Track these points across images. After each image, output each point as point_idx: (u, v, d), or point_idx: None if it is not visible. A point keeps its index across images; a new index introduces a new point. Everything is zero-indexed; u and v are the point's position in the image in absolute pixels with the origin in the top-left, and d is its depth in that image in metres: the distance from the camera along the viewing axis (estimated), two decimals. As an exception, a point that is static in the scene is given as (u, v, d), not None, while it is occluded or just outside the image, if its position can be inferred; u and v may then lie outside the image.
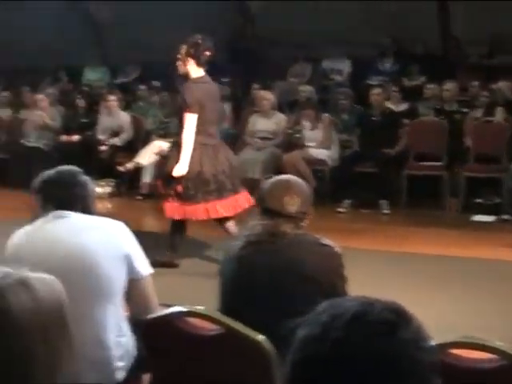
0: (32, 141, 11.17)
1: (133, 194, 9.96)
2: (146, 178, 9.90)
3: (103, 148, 10.49)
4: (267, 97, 9.90)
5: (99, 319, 3.00)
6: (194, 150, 6.03)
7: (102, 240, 3.01)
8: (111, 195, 9.95)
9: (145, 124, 11.00)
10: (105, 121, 10.81)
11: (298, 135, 9.52)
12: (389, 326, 1.19)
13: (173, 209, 6.19)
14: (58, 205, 3.11)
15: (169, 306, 3.07)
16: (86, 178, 3.23)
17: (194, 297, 4.79)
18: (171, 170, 6.07)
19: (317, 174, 9.25)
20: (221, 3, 11.96)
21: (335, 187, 9.25)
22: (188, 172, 6.01)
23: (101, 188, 9.36)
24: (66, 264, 2.88)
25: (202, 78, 6.12)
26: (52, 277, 1.56)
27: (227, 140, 8.48)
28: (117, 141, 10.59)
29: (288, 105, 10.77)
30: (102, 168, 10.03)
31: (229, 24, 12.14)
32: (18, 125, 11.78)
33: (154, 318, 2.95)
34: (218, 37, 11.60)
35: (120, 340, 3.08)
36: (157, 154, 9.66)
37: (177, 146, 6.19)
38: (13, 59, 13.36)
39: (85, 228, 3.05)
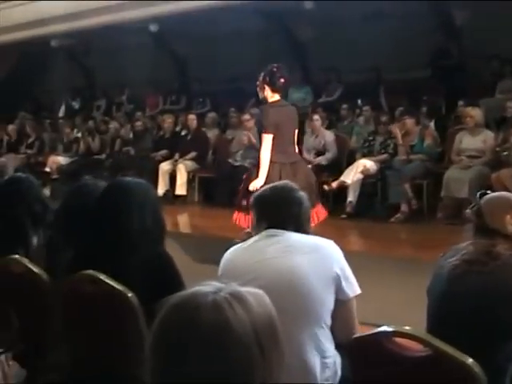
0: (238, 160, 11.51)
1: (338, 213, 9.99)
2: (351, 197, 9.90)
3: (309, 167, 10.55)
4: (473, 114, 9.62)
5: (306, 341, 2.99)
6: (273, 167, 6.57)
7: (313, 261, 3.00)
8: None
9: (349, 143, 11.01)
10: (309, 140, 10.92)
11: (506, 153, 9.17)
12: None
13: (245, 220, 6.64)
14: (271, 222, 3.15)
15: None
16: (301, 195, 3.23)
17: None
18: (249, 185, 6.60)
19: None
20: (422, 19, 11.75)
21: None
22: None
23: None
24: (275, 284, 2.89)
25: (277, 102, 6.70)
26: (261, 292, 1.58)
27: (432, 158, 8.42)
28: (322, 160, 10.66)
29: (496, 122, 10.40)
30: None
31: (431, 40, 11.86)
32: (225, 144, 12.19)
33: (361, 338, 2.91)
34: (420, 54, 11.56)
35: (326, 362, 3.06)
36: (362, 172, 9.64)
37: (258, 164, 6.78)
38: (219, 82, 13.87)
39: (296, 248, 3.05)
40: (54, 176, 13.39)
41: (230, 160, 11.62)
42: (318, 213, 6.77)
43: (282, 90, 6.72)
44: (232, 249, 3.25)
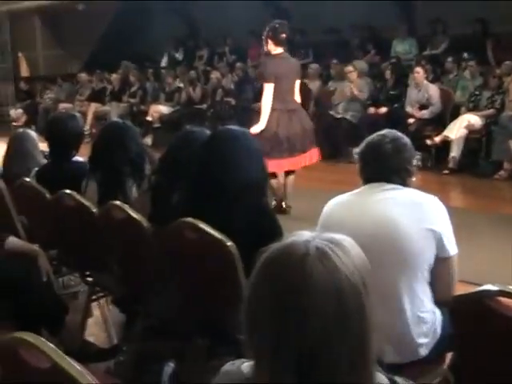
0: (340, 112, 11.38)
1: (440, 168, 9.77)
2: (454, 153, 9.67)
3: (411, 121, 10.38)
4: None
5: (402, 292, 2.94)
6: (272, 114, 7.17)
7: (414, 215, 2.94)
8: (418, 169, 9.80)
9: (454, 97, 10.73)
10: (413, 93, 10.68)
11: None
12: None
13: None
14: (372, 175, 3.09)
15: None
16: (408, 148, 3.15)
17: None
18: None
19: None
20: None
21: None
22: (266, 131, 7.11)
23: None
24: (374, 234, 2.87)
25: (279, 54, 7.25)
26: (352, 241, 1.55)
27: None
28: (425, 114, 10.43)
29: None
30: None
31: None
32: (327, 96, 12.07)
33: (464, 297, 2.83)
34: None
35: (423, 316, 3.01)
36: (466, 127, 9.39)
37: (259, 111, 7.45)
38: (323, 33, 13.70)
39: (397, 201, 2.99)
40: (156, 125, 13.57)
41: (331, 112, 11.50)
42: (311, 155, 7.58)
43: (284, 43, 7.27)
44: (332, 201, 3.20)
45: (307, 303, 1.41)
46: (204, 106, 13.41)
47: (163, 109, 13.96)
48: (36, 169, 4.96)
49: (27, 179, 4.70)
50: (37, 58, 18.63)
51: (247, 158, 3.29)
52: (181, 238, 3.28)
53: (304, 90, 12.19)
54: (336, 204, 3.17)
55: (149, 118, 13.74)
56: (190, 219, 3.21)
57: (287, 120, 7.24)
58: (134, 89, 15.20)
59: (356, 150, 3.25)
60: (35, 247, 3.97)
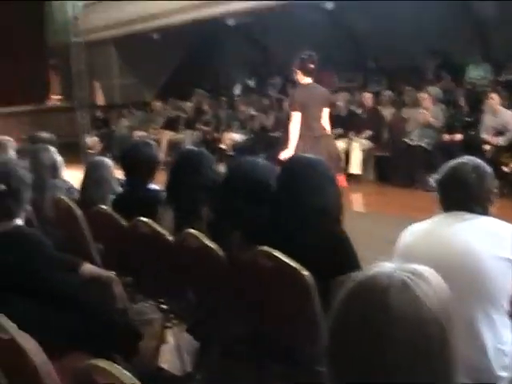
0: (414, 139, 11.27)
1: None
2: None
3: (487, 147, 10.20)
4: None
5: (482, 324, 2.88)
6: (299, 140, 7.53)
7: (491, 243, 2.88)
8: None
9: (530, 123, 10.50)
10: (488, 120, 10.52)
11: None
12: None
13: None
14: (456, 204, 3.03)
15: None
16: (490, 175, 3.08)
17: None
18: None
19: None
20: None
21: None
22: None
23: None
24: (453, 266, 2.81)
25: (308, 84, 7.69)
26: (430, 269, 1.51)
27: None
28: (501, 140, 10.24)
29: None
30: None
31: None
32: (401, 123, 11.97)
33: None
34: None
35: (504, 349, 2.92)
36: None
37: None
38: (396, 59, 13.61)
39: (474, 229, 2.93)
40: (230, 153, 13.64)
41: (405, 139, 11.39)
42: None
43: (312, 74, 7.67)
44: (410, 229, 3.15)
45: (390, 336, 1.38)
46: (277, 134, 13.42)
47: (237, 136, 14.04)
48: (112, 196, 5.02)
49: (103, 206, 4.76)
50: (112, 86, 18.97)
51: (320, 186, 3.26)
52: (255, 266, 3.26)
53: (377, 117, 12.19)
54: (414, 232, 3.12)
55: (222, 146, 13.82)
56: (264, 247, 3.20)
57: (313, 146, 7.42)
58: (207, 117, 15.34)
59: (433, 178, 3.18)
60: (111, 274, 4.00)
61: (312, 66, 7.63)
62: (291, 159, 3.58)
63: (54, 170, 5.71)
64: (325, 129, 7.74)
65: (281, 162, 6.89)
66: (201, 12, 14.34)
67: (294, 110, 7.67)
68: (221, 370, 4.15)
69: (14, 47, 18.42)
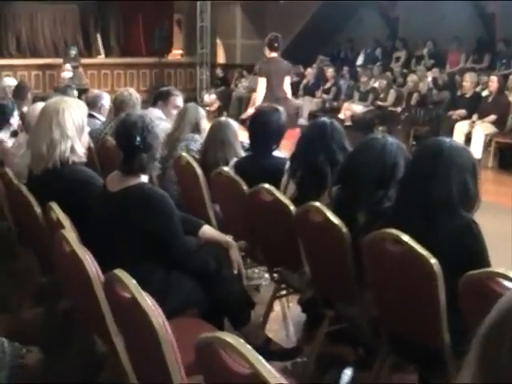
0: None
1: None
2: None
3: None
4: None
5: None
6: (264, 100, 8.76)
7: None
8: None
9: None
10: None
11: None
12: None
13: None
14: None
15: None
16: None
17: None
18: None
19: None
20: None
21: None
22: None
23: None
24: None
25: (273, 58, 9.22)
26: None
27: None
28: None
29: None
30: None
31: None
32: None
33: None
34: None
35: None
36: None
37: None
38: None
39: None
40: (347, 123, 13.46)
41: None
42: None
43: (276, 50, 9.24)
44: None
45: None
46: (398, 109, 13.16)
47: (356, 108, 13.84)
48: (235, 159, 4.98)
49: (226, 169, 4.72)
50: (234, 46, 19.00)
51: (458, 173, 3.12)
52: (382, 249, 3.15)
53: (503, 101, 11.75)
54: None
55: (341, 116, 13.64)
56: (393, 230, 3.09)
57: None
58: (328, 85, 15.17)
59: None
60: (229, 238, 3.96)
61: (276, 44, 9.27)
62: (424, 144, 3.42)
63: (196, 127, 5.74)
64: (285, 93, 9.20)
65: (244, 121, 8.83)
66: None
67: (261, 76, 9.32)
68: (330, 346, 4.10)
69: (144, 1, 18.64)
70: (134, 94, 6.62)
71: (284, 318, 4.95)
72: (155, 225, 3.45)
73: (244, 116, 9.58)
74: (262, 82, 9.28)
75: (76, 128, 4.00)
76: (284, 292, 4.67)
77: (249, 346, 1.96)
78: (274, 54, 9.47)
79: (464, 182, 3.14)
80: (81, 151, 4.03)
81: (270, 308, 4.51)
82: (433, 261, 2.95)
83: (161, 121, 5.55)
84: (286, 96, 9.36)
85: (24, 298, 4.78)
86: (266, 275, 5.06)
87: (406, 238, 3.03)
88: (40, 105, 4.88)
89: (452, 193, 3.09)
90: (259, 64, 10.11)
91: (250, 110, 9.26)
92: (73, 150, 3.97)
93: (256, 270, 5.37)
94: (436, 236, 3.07)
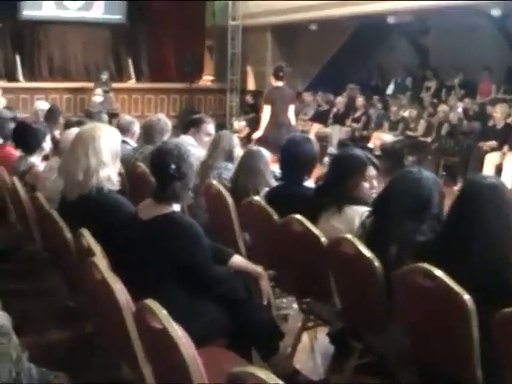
0: None
1: None
2: None
3: None
4: None
5: None
6: (268, 125, 9.80)
7: None
8: None
9: None
10: None
11: None
12: None
13: None
14: None
15: None
16: None
17: None
18: None
19: None
20: None
21: None
22: None
23: None
24: None
25: (278, 86, 9.93)
26: None
27: None
28: None
29: None
30: None
31: None
32: None
33: None
34: None
35: None
36: None
37: None
38: None
39: None
40: (377, 153, 13.38)
41: None
42: None
43: (281, 79, 9.90)
44: None
45: None
46: (428, 139, 13.08)
47: (386, 137, 13.76)
48: (266, 189, 4.97)
49: (257, 198, 4.71)
50: (265, 72, 19.04)
51: (496, 216, 3.11)
52: (414, 283, 3.13)
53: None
54: None
55: (370, 145, 13.57)
56: (426, 265, 3.07)
57: (277, 130, 9.51)
58: (358, 114, 15.12)
59: None
60: (259, 269, 3.94)
61: (281, 73, 9.96)
62: (467, 186, 3.40)
63: (230, 155, 5.76)
64: (290, 119, 9.90)
65: (255, 141, 9.49)
66: (361, 7, 14.14)
67: (266, 103, 9.96)
68: (358, 378, 4.06)
69: (176, 26, 18.81)
70: (163, 120, 6.65)
71: (312, 349, 4.91)
72: (182, 252, 3.45)
73: (254, 137, 10.28)
74: (266, 109, 9.97)
75: (111, 155, 4.02)
76: (312, 323, 4.64)
77: (281, 382, 1.95)
78: (280, 83, 10.10)
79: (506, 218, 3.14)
80: (115, 178, 4.05)
81: (298, 339, 4.48)
82: (466, 297, 2.92)
83: (195, 148, 5.57)
84: (290, 122, 10.03)
85: (50, 320, 4.79)
86: (295, 305, 5.02)
87: (439, 272, 3.01)
88: (74, 130, 4.92)
89: (498, 234, 3.09)
90: (265, 92, 10.90)
91: (257, 133, 10.13)
92: (109, 177, 3.99)
93: (284, 300, 5.34)
94: (472, 268, 3.05)
